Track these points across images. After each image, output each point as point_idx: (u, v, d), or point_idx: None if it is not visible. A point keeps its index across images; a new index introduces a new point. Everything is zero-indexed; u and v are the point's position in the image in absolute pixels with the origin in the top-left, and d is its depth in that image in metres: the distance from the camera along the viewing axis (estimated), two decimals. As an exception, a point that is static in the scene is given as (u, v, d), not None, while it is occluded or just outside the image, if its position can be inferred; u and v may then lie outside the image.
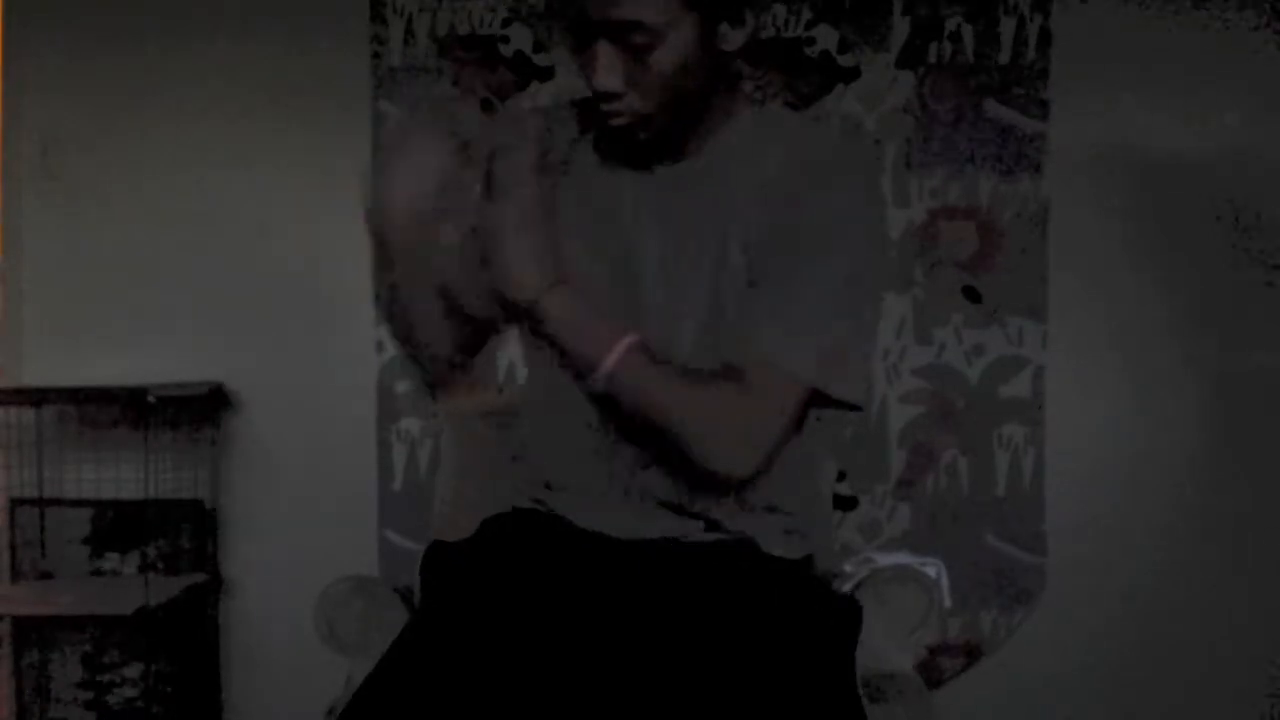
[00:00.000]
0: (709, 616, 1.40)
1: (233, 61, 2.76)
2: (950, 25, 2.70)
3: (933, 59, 2.70)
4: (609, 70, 1.36)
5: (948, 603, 1.89)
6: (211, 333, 2.77)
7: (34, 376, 2.76)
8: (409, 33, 2.73)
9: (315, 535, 2.70)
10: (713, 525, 1.50)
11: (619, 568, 1.47)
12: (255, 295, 2.76)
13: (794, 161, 1.43)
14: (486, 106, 2.73)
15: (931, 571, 1.91)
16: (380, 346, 2.74)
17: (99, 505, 2.77)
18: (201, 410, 2.74)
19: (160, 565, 2.75)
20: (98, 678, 2.79)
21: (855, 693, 1.51)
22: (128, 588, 2.61)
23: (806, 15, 2.70)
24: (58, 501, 2.77)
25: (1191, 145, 2.72)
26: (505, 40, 2.73)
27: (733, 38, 1.39)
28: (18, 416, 2.73)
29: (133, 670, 2.78)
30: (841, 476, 2.69)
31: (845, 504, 2.70)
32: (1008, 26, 2.69)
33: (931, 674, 2.61)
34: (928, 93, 2.71)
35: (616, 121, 1.40)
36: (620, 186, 1.47)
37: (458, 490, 2.11)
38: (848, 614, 1.59)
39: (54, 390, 2.68)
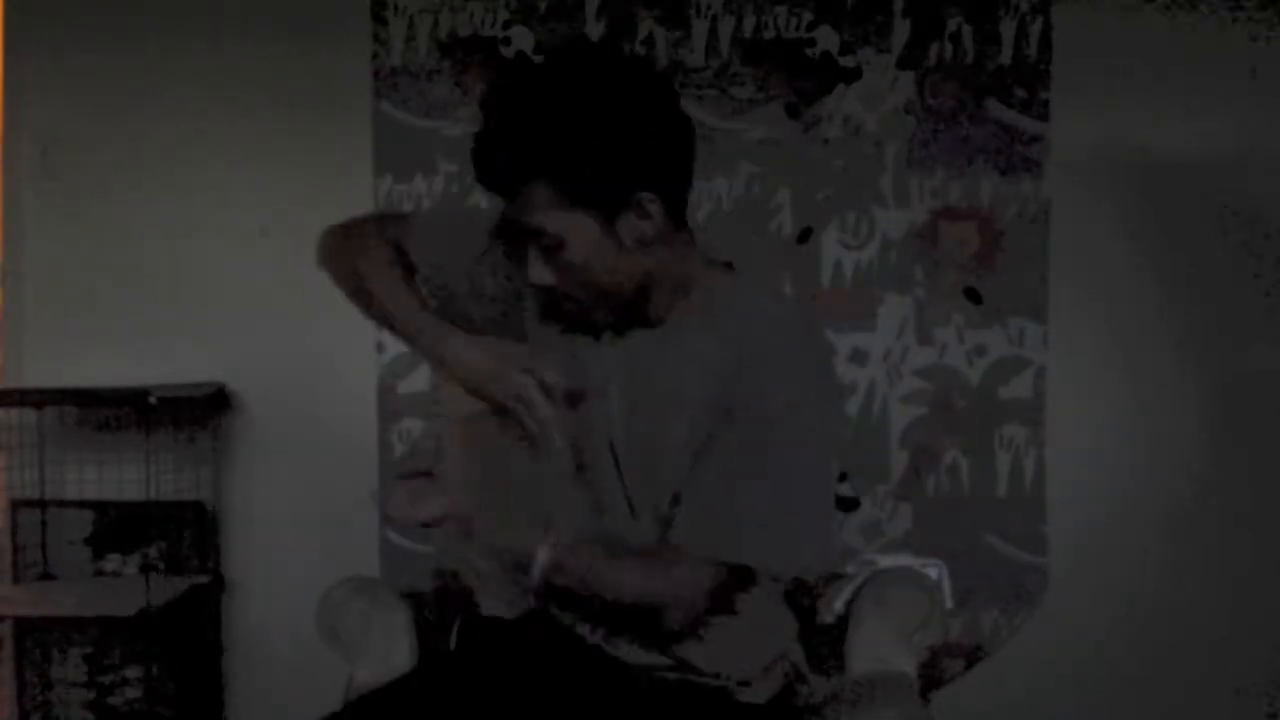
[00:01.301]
0: None
1: (233, 62, 2.76)
2: (951, 26, 2.70)
3: (933, 59, 2.70)
4: (537, 268, 1.46)
5: (949, 604, 1.88)
6: (213, 334, 2.77)
7: (35, 377, 2.76)
8: (410, 33, 2.73)
9: (317, 536, 2.70)
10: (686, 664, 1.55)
11: (597, 694, 1.52)
12: (256, 296, 2.76)
13: (742, 345, 1.48)
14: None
15: (933, 573, 1.91)
16: (380, 347, 2.74)
17: (100, 506, 2.77)
18: (203, 411, 2.74)
19: (162, 566, 2.76)
20: (99, 679, 2.79)
21: None
22: (129, 589, 2.61)
23: (807, 16, 2.70)
24: (59, 503, 2.77)
25: (1192, 145, 2.72)
26: (506, 42, 2.73)
27: (636, 227, 1.43)
28: (19, 417, 2.73)
29: (134, 671, 2.79)
30: (843, 478, 2.69)
31: (847, 505, 2.70)
32: (1008, 27, 2.70)
33: (933, 675, 2.61)
34: (928, 93, 2.71)
35: (568, 307, 1.49)
36: (578, 353, 1.54)
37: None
38: None
39: (55, 391, 2.68)
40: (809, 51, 2.71)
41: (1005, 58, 2.70)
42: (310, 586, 1.86)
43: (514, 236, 1.50)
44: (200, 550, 2.77)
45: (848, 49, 2.70)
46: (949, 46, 2.71)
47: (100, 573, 2.79)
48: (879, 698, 1.64)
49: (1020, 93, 2.70)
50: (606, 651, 1.55)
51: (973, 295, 2.72)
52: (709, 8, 2.71)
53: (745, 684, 1.60)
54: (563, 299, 1.49)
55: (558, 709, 1.48)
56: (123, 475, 2.71)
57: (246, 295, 2.77)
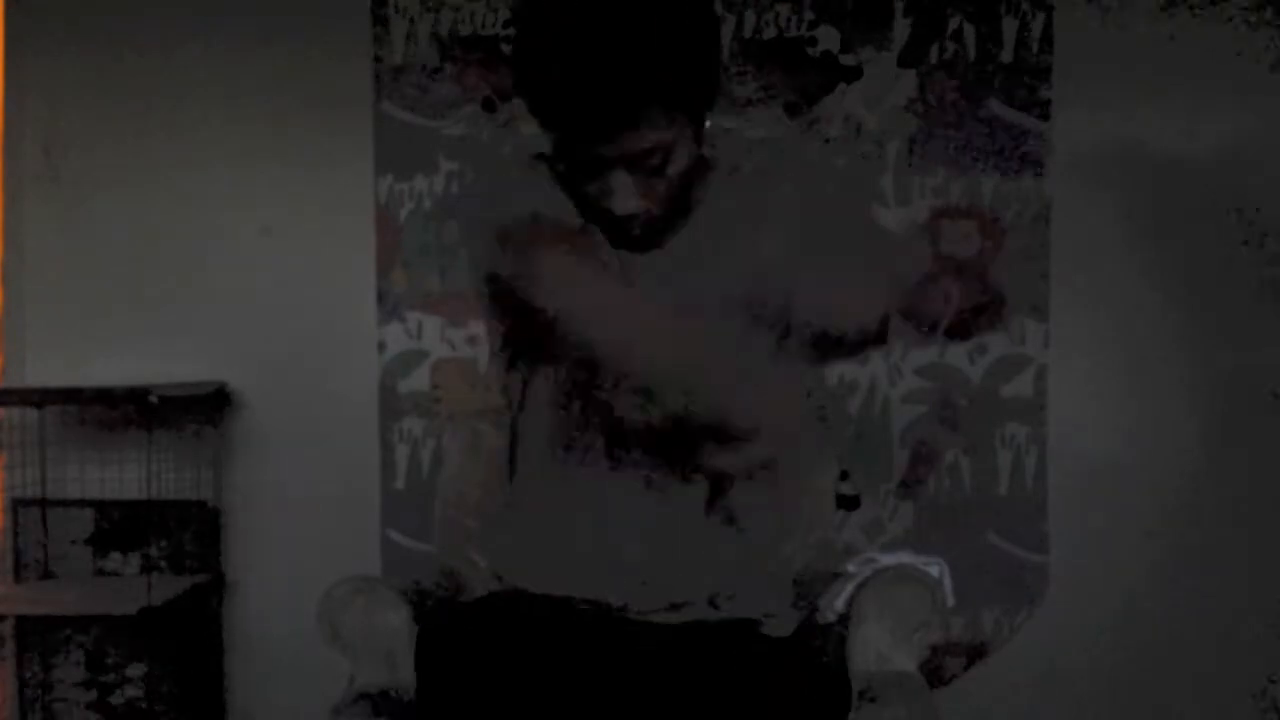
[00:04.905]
0: (708, 698, 1.44)
1: (233, 62, 2.76)
2: (952, 24, 2.70)
3: (935, 58, 2.70)
4: (628, 196, 1.41)
5: (950, 602, 1.88)
6: (214, 333, 2.77)
7: (36, 377, 2.76)
8: (410, 33, 2.73)
9: (318, 535, 2.70)
10: (712, 604, 1.57)
11: (621, 649, 1.52)
12: (257, 295, 2.77)
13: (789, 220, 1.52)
14: (488, 106, 2.73)
15: (934, 571, 1.91)
16: (382, 346, 2.74)
17: (102, 505, 2.77)
18: (204, 410, 2.74)
19: (163, 565, 2.76)
20: (100, 678, 2.79)
21: None
22: (130, 588, 2.62)
23: (808, 15, 2.70)
24: (60, 502, 2.77)
25: (1194, 144, 2.71)
26: (507, 41, 2.73)
27: (714, 122, 1.46)
28: (20, 416, 2.74)
29: (135, 670, 2.79)
30: (844, 476, 2.69)
31: (848, 504, 2.70)
32: (1010, 25, 2.69)
33: (934, 673, 2.61)
34: (930, 92, 2.71)
35: (635, 232, 1.46)
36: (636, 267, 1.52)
37: (460, 491, 2.11)
38: (839, 693, 1.64)
39: (56, 390, 2.68)
40: (810, 50, 2.71)
41: (1007, 56, 2.70)
42: (311, 586, 1.85)
43: (598, 169, 1.43)
44: (201, 549, 2.77)
45: (848, 47, 2.70)
46: (950, 45, 2.71)
47: (101, 572, 2.79)
48: (893, 696, 1.65)
49: (1022, 91, 2.70)
50: (603, 608, 1.55)
51: (974, 294, 2.72)
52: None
53: (770, 616, 1.61)
54: (631, 229, 1.46)
55: (587, 677, 1.48)
56: (124, 474, 2.71)
57: (247, 295, 2.77)
